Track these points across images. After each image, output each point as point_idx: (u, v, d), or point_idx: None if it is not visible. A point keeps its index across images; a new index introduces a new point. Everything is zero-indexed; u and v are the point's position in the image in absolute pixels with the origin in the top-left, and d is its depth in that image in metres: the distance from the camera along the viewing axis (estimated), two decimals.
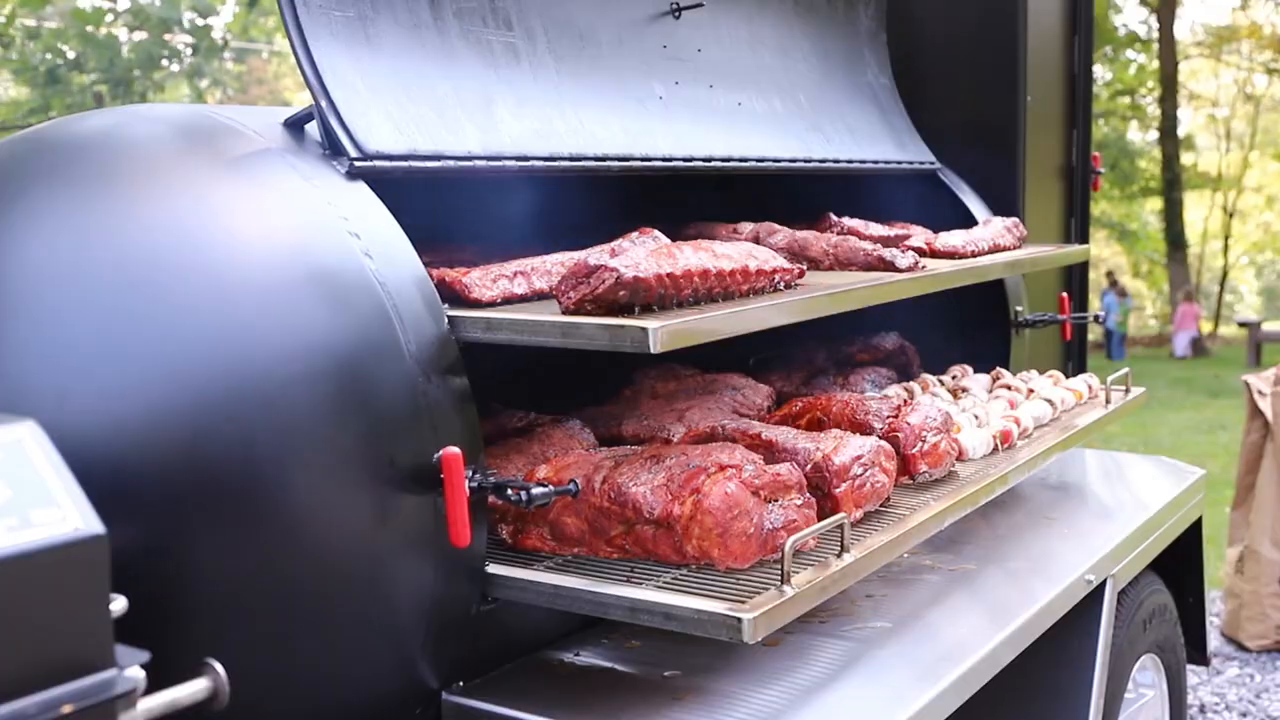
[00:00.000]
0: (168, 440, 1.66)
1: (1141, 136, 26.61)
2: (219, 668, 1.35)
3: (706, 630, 1.88)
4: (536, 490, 1.94)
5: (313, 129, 2.10)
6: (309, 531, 1.75)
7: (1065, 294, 4.04)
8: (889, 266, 2.78)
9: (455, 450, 1.84)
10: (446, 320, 1.97)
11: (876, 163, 3.56)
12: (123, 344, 1.69)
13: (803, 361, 3.60)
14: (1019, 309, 3.79)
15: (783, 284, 2.38)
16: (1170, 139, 22.35)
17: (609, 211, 2.89)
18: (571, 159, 2.49)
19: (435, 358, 1.91)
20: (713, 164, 2.89)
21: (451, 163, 2.22)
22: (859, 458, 2.33)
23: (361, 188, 2.02)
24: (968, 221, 3.75)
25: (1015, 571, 2.80)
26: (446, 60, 2.34)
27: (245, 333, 1.73)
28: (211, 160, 1.94)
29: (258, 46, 22.99)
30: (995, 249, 3.33)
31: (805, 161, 3.23)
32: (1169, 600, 3.50)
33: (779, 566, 1.95)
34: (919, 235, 3.28)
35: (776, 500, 2.09)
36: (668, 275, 2.04)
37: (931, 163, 3.84)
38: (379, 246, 1.93)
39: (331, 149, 2.05)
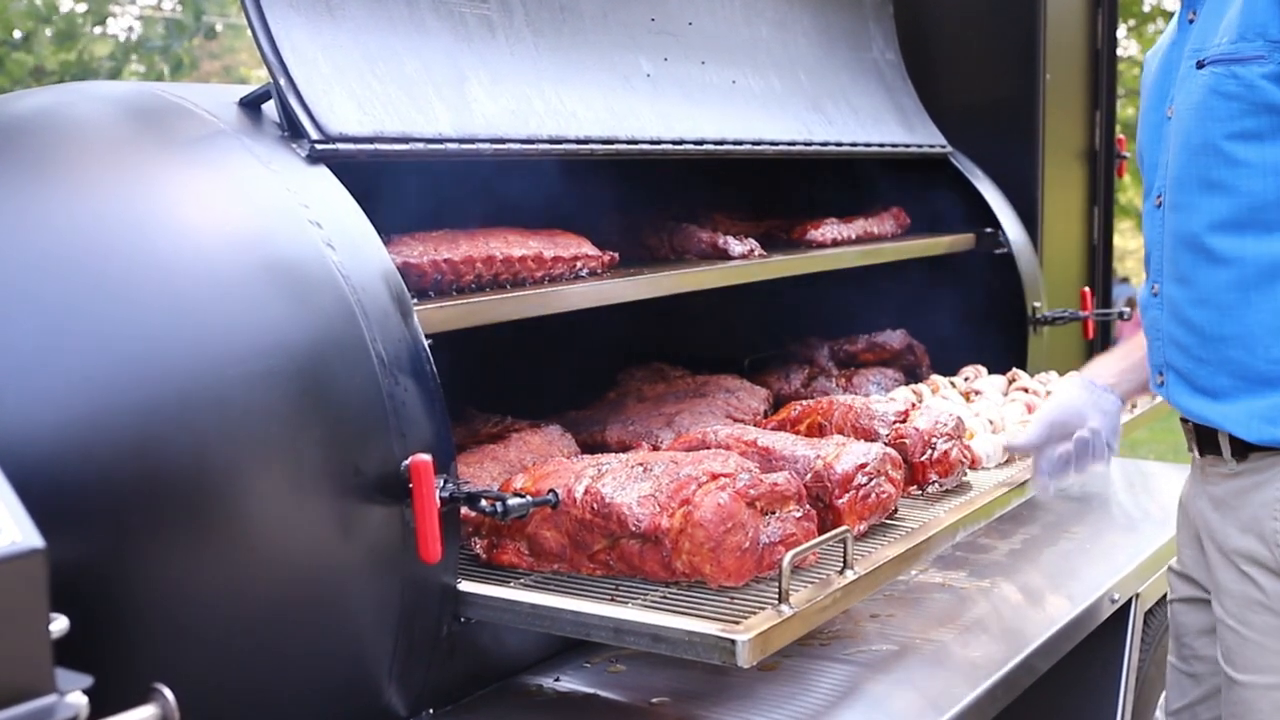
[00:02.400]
0: (113, 446, 1.66)
1: None
2: (168, 693, 1.36)
3: (697, 653, 1.89)
4: (513, 501, 1.95)
5: (270, 109, 2.10)
6: (266, 545, 1.75)
7: (1088, 289, 4.06)
8: (722, 254, 3.02)
9: (425, 457, 1.84)
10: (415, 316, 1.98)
11: (882, 145, 3.57)
12: (64, 341, 1.70)
13: (802, 361, 3.62)
14: (1037, 305, 3.81)
15: (585, 271, 2.55)
16: None
17: (592, 198, 2.89)
18: (551, 141, 2.49)
19: (403, 357, 1.91)
20: (704, 147, 2.90)
21: (421, 145, 2.22)
22: (863, 466, 2.34)
23: (323, 173, 2.02)
24: (981, 209, 3.77)
25: (1032, 590, 2.82)
26: (416, 35, 2.35)
27: (197, 329, 1.74)
28: (161, 143, 1.95)
29: (210, 19, 22.88)
30: (866, 237, 3.53)
31: (805, 144, 3.24)
32: None
33: (776, 584, 1.95)
34: (812, 226, 3.40)
35: (773, 512, 2.10)
36: (445, 261, 2.23)
37: (943, 146, 3.86)
38: (342, 237, 1.93)
39: (291, 131, 2.06)
